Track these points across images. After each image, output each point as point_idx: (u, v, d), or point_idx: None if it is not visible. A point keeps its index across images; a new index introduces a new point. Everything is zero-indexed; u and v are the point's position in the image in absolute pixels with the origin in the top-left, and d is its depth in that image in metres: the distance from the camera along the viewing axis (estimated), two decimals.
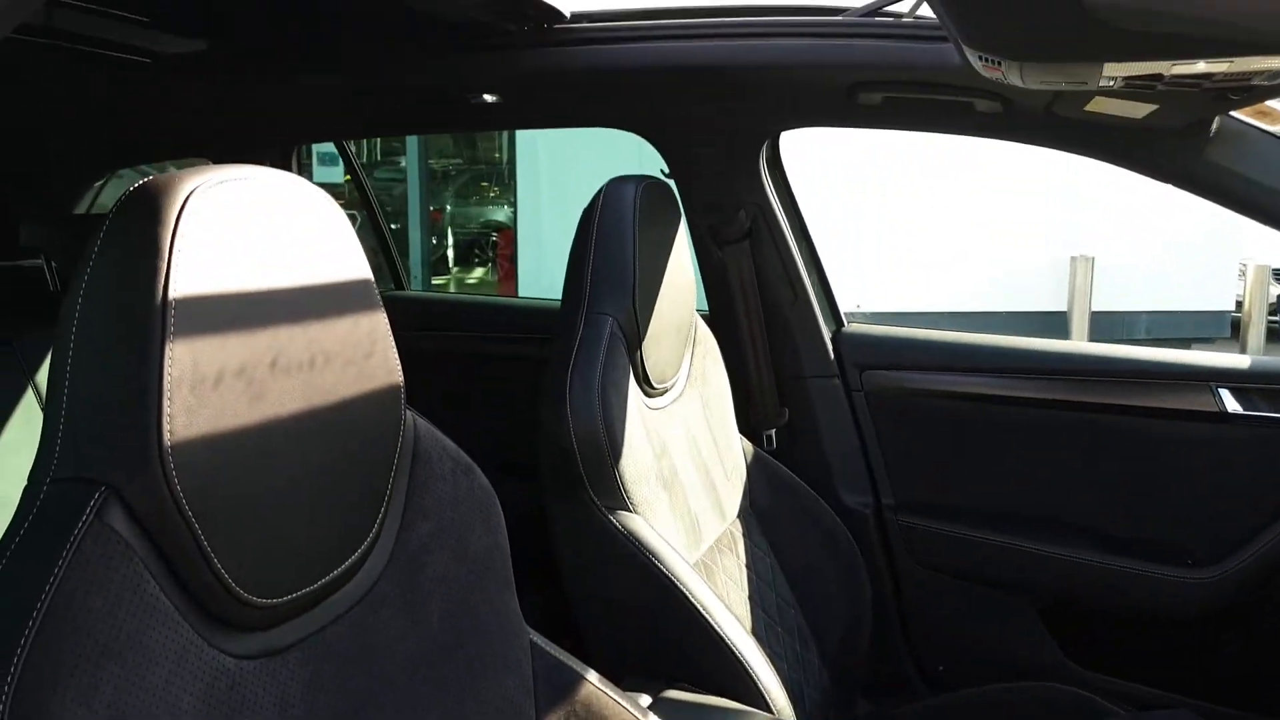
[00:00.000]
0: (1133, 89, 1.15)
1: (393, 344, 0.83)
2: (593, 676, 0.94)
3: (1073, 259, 7.44)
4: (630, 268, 1.38)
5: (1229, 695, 1.69)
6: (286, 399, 0.72)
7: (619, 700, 0.94)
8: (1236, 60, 0.96)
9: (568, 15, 1.68)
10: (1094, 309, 7.41)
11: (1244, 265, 7.75)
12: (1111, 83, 1.12)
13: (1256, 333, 7.57)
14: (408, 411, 0.86)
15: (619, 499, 1.28)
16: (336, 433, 0.77)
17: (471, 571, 0.88)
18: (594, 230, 1.41)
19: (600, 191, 1.44)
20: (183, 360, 0.65)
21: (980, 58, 1.07)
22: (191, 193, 0.68)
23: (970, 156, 6.93)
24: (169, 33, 1.76)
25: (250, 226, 0.71)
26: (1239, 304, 7.74)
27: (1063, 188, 7.20)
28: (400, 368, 0.83)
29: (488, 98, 1.85)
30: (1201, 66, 0.98)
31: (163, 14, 1.67)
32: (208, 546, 0.67)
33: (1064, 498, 1.79)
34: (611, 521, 1.26)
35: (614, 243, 1.39)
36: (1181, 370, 1.70)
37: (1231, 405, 1.65)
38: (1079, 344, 1.86)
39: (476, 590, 0.88)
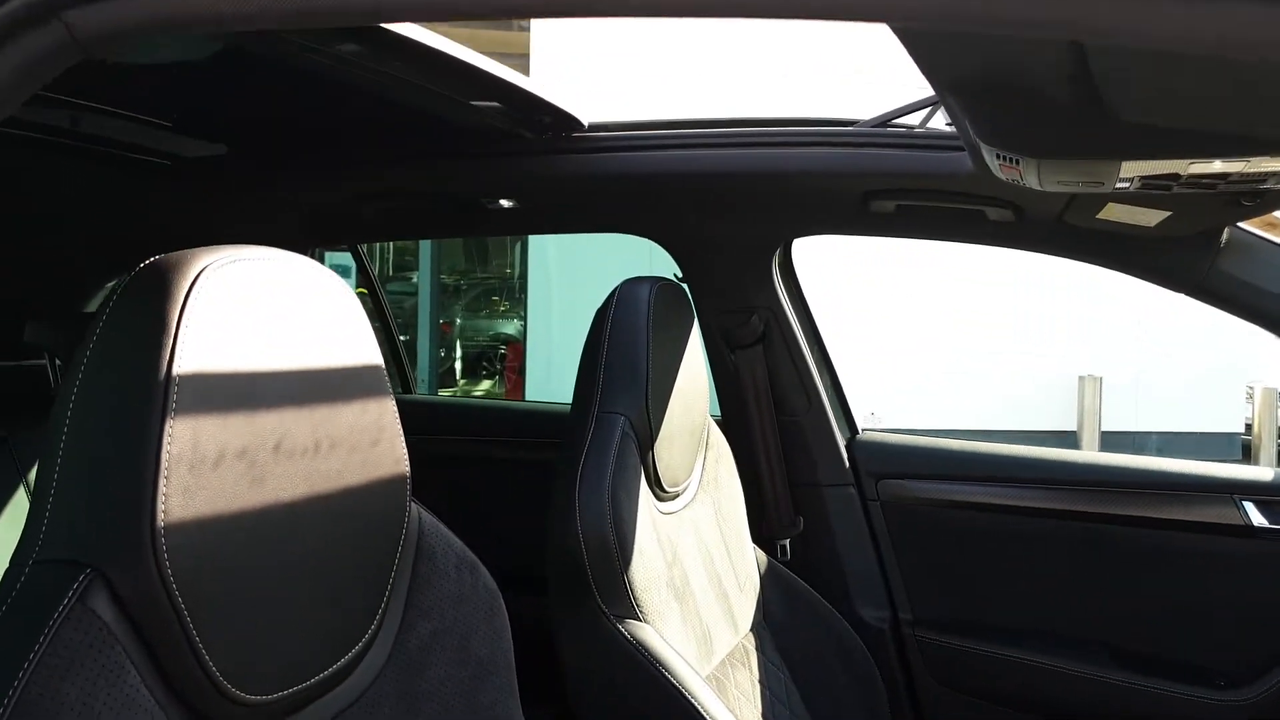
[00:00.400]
0: (1148, 191, 1.15)
1: (400, 433, 0.80)
2: None
3: (1081, 378, 7.43)
4: (643, 366, 1.37)
5: None
6: (288, 484, 0.69)
7: None
8: (1253, 160, 0.96)
9: (585, 124, 1.72)
10: (1103, 429, 7.35)
11: (1251, 388, 7.73)
12: (1127, 184, 1.12)
13: (1267, 456, 7.49)
14: (412, 504, 0.83)
15: (628, 608, 1.23)
16: (338, 522, 0.74)
17: (474, 674, 0.83)
18: (608, 328, 1.40)
19: (615, 291, 1.44)
20: (183, 438, 0.63)
21: (998, 156, 1.07)
22: (203, 270, 0.67)
23: (973, 281, 7.02)
24: (191, 136, 1.80)
25: (261, 307, 0.70)
26: (1248, 426, 7.68)
27: (1069, 309, 7.26)
28: (407, 458, 0.81)
29: (504, 203, 1.88)
30: (1218, 166, 0.99)
31: (186, 119, 1.71)
32: (196, 637, 0.63)
33: (1087, 613, 1.73)
34: (620, 631, 1.21)
35: (627, 341, 1.38)
36: (1204, 482, 1.67)
37: (1257, 519, 1.61)
38: (1099, 455, 1.83)
39: (479, 694, 0.83)
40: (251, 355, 0.68)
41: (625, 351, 1.38)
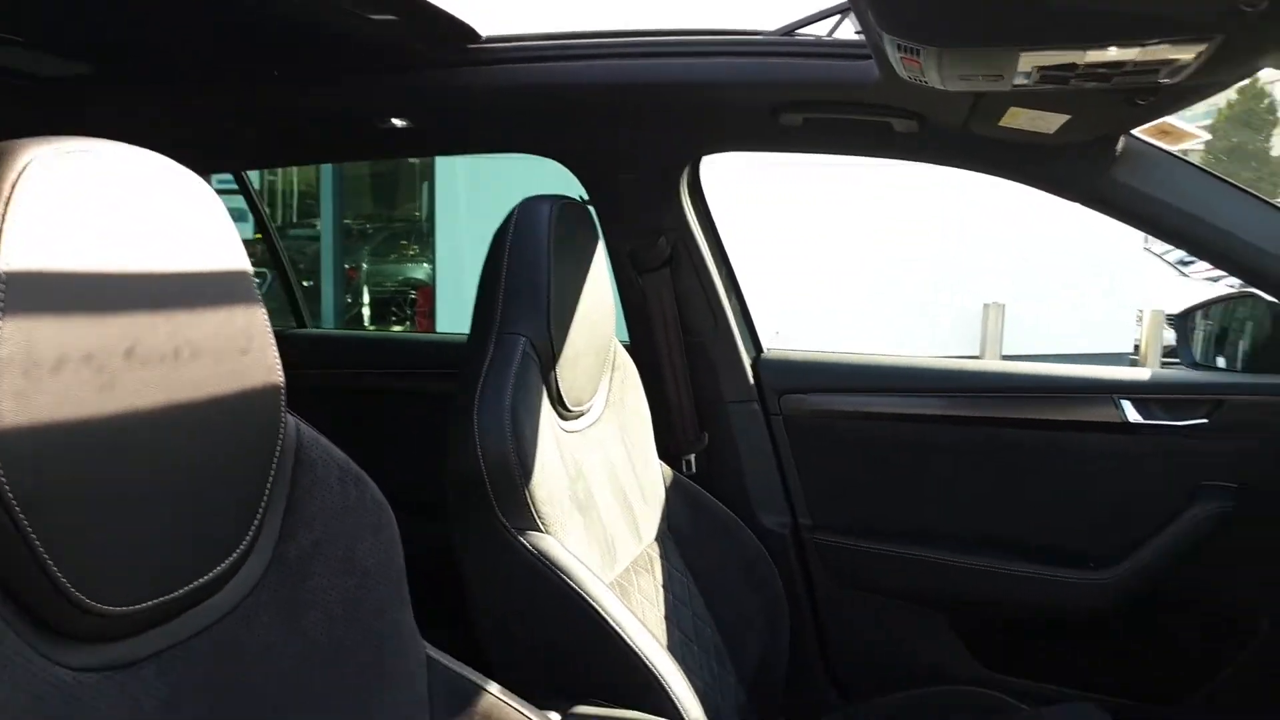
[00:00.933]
0: (1047, 85, 1.15)
1: (273, 342, 0.76)
2: (494, 688, 0.87)
3: (985, 306, 7.67)
4: (544, 287, 1.33)
5: (1124, 688, 1.74)
6: (144, 391, 0.65)
7: (521, 710, 0.87)
8: (1147, 46, 0.96)
9: (482, 36, 1.64)
10: (1004, 353, 7.61)
11: (1141, 311, 8.08)
12: (1026, 79, 1.12)
13: None
14: (289, 416, 0.78)
15: (529, 520, 1.21)
16: (205, 431, 0.69)
17: (361, 584, 0.80)
18: (507, 248, 1.36)
19: (514, 210, 1.39)
20: (14, 339, 0.58)
21: (899, 48, 1.05)
22: (30, 162, 0.62)
23: (880, 209, 7.13)
24: (49, 53, 1.66)
25: (101, 203, 0.65)
26: (1136, 347, 8.05)
27: (974, 237, 7.44)
28: (280, 368, 0.76)
29: (397, 122, 1.79)
30: (1114, 53, 0.99)
31: (41, 34, 1.57)
32: (39, 546, 0.58)
33: (975, 510, 1.81)
34: (521, 542, 1.19)
35: (528, 261, 1.34)
36: (1086, 384, 1.74)
37: (1133, 416, 1.69)
38: (989, 362, 1.89)
39: (366, 603, 0.80)
40: (93, 254, 0.63)
41: (525, 271, 1.34)
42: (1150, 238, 8.22)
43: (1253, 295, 1.73)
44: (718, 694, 1.48)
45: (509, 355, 1.28)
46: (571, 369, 1.38)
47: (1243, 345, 1.85)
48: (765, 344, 1.98)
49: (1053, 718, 1.54)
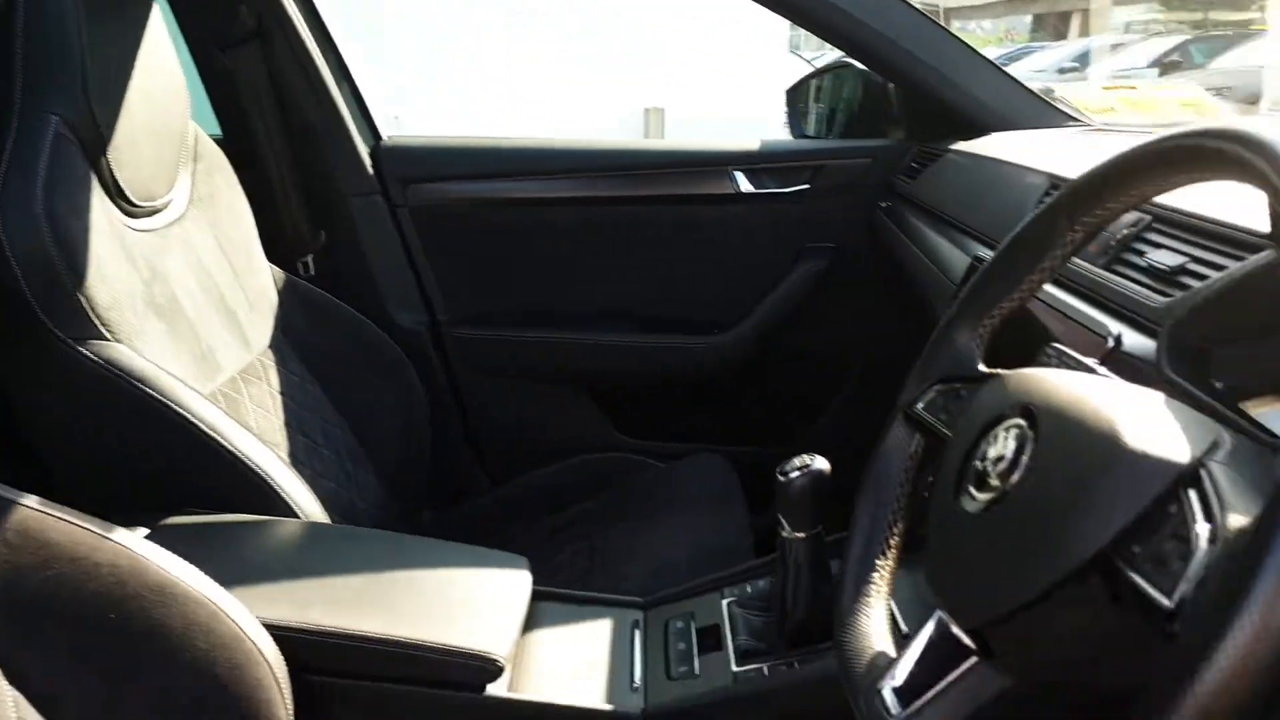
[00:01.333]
0: None
1: None
2: (30, 500, 0.76)
3: (646, 110, 7.79)
4: (76, 52, 1.11)
5: (743, 438, 1.90)
6: None
7: (69, 519, 0.77)
8: None
9: None
10: None
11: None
12: None
13: None
14: None
15: (91, 328, 1.06)
16: None
17: None
18: (20, 10, 1.10)
19: None
20: None
21: None
22: None
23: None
24: None
25: None
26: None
27: (645, 45, 7.46)
28: None
29: None
30: None
31: None
32: None
33: (609, 288, 1.85)
34: (82, 352, 1.04)
35: (49, 17, 1.10)
36: (703, 158, 1.79)
37: (745, 186, 1.77)
38: (611, 140, 1.89)
39: None
40: None
41: (47, 31, 1.10)
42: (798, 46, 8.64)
43: (849, 65, 1.83)
44: (353, 493, 1.43)
45: (37, 138, 1.07)
46: (131, 155, 1.18)
47: (841, 116, 1.97)
48: (384, 132, 1.84)
49: (681, 469, 1.66)
